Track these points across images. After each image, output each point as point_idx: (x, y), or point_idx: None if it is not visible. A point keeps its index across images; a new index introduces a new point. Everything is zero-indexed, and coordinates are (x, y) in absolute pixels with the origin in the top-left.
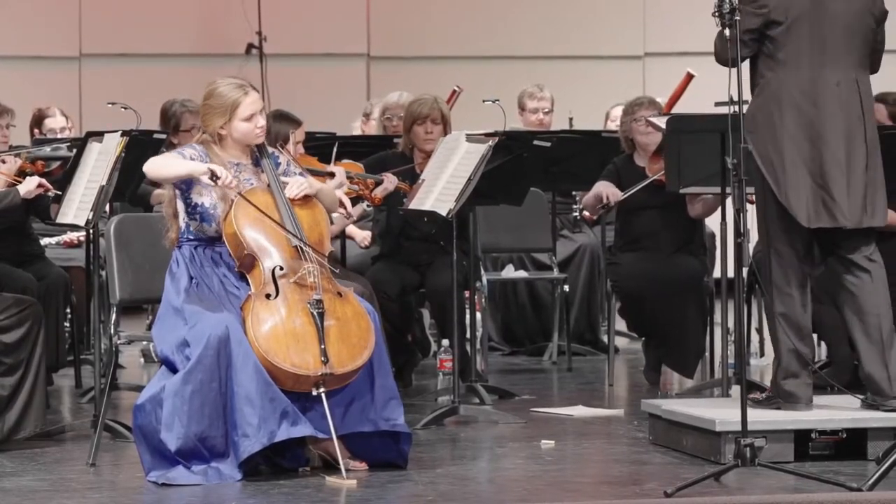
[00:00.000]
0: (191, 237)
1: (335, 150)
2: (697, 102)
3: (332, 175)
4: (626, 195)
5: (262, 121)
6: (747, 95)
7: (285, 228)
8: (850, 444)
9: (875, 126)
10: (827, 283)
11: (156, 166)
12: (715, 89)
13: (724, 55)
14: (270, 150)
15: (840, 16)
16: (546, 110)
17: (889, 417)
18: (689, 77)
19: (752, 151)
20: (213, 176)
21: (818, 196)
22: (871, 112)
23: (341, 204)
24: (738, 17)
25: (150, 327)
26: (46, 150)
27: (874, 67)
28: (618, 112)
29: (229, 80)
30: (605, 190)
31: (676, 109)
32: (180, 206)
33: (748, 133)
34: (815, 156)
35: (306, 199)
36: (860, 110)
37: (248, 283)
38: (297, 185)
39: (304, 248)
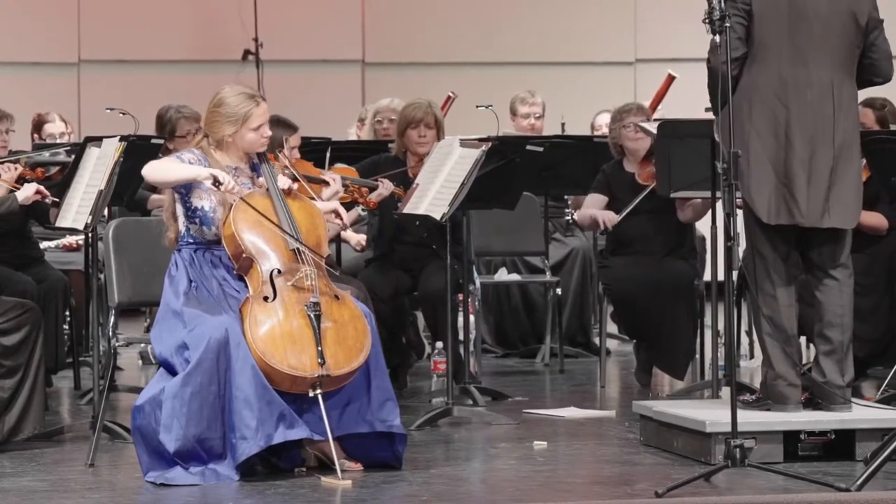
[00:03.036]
0: (190, 241)
1: (328, 155)
2: (687, 108)
3: (327, 182)
4: (621, 217)
5: (268, 131)
6: None
7: (283, 231)
8: (838, 445)
9: (853, 130)
10: (804, 286)
11: (157, 170)
12: (705, 94)
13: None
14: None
15: (818, 15)
16: (537, 115)
17: (878, 419)
18: (671, 78)
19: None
20: (216, 182)
21: (780, 193)
22: (848, 116)
23: (337, 214)
24: (728, 24)
25: (148, 329)
26: (46, 155)
27: (877, 73)
28: (602, 120)
29: (239, 88)
30: (601, 216)
31: (662, 112)
32: (180, 209)
33: (720, 129)
34: (780, 153)
35: (304, 202)
36: (832, 112)
37: (246, 286)
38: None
39: (301, 250)
